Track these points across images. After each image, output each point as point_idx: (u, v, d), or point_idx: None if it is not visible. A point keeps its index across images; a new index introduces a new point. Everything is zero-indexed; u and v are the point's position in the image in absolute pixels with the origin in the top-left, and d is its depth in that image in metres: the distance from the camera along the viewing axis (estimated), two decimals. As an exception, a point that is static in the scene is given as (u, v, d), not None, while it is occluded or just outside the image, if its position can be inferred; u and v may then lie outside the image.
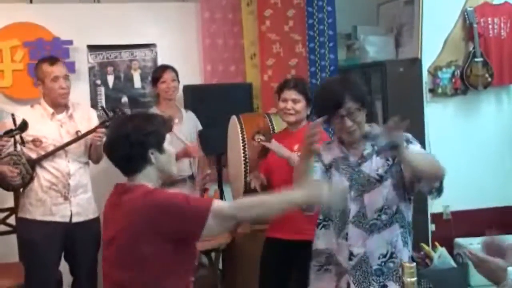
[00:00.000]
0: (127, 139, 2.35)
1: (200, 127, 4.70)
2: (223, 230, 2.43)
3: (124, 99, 5.32)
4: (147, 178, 2.41)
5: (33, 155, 3.83)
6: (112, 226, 2.43)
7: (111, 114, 3.92)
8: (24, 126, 3.53)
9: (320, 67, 5.34)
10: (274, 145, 3.56)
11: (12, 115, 3.65)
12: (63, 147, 3.82)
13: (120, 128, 2.41)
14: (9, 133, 3.33)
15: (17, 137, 3.59)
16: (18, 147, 3.73)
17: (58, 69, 3.85)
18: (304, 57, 5.31)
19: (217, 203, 2.30)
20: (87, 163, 4.01)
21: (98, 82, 5.28)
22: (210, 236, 2.47)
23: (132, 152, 2.36)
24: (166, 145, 2.44)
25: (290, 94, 3.64)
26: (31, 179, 3.81)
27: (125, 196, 2.37)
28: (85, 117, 4.01)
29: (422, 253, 4.71)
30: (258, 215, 2.45)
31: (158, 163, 2.40)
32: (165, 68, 4.61)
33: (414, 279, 2.13)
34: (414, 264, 2.17)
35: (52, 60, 3.91)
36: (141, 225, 2.28)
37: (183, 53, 5.35)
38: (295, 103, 3.63)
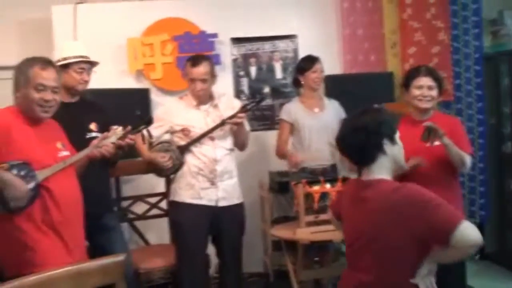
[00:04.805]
0: (365, 129, 2.46)
1: (343, 115, 4.69)
2: (464, 253, 2.32)
3: (266, 89, 5.48)
4: (382, 170, 2.49)
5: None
6: (357, 222, 2.51)
7: (251, 99, 4.05)
8: (149, 121, 3.62)
9: (464, 55, 5.22)
10: (438, 128, 3.39)
11: (139, 113, 3.74)
12: (208, 133, 4.00)
13: (355, 121, 2.52)
14: (136, 128, 3.43)
15: (144, 131, 3.69)
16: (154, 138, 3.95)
17: (196, 72, 4.00)
18: (447, 44, 5.21)
19: (466, 225, 2.24)
20: (232, 150, 4.17)
21: (242, 73, 5.48)
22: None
23: (369, 141, 2.46)
24: (397, 137, 2.52)
25: (426, 81, 3.61)
26: (181, 165, 4.03)
27: (368, 191, 2.46)
28: (229, 106, 4.15)
29: None
30: None
31: (391, 153, 2.49)
32: (315, 59, 4.67)
33: None
34: None
35: (194, 61, 4.05)
36: (391, 220, 2.34)
37: (323, 44, 5.40)
38: (430, 90, 3.60)
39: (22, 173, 2.81)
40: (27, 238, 2.87)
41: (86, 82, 3.79)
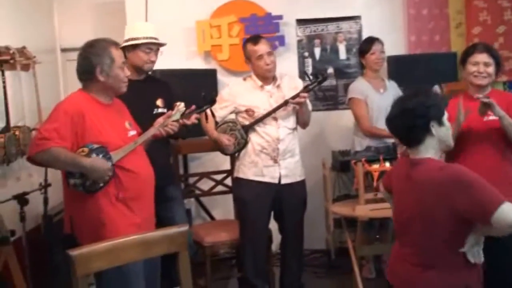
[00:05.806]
0: (413, 112, 2.57)
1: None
2: (504, 232, 2.40)
3: (330, 70, 5.54)
4: (429, 150, 2.61)
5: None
6: (404, 198, 2.66)
7: (313, 79, 4.13)
8: (213, 101, 3.67)
9: (530, 35, 5.15)
10: (491, 101, 3.43)
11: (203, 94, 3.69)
12: (271, 113, 4.11)
13: (405, 103, 2.63)
14: (200, 108, 3.52)
15: (208, 111, 3.69)
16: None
17: (260, 48, 4.12)
18: (513, 24, 5.15)
19: (507, 206, 2.32)
20: (295, 129, 4.27)
21: (306, 54, 5.56)
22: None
23: (416, 124, 2.57)
24: (445, 119, 2.62)
25: (482, 57, 3.61)
26: (245, 143, 4.17)
27: (416, 169, 2.59)
28: (292, 86, 4.23)
29: None
30: None
31: (438, 134, 2.59)
32: (374, 40, 4.73)
33: None
34: None
35: (255, 40, 4.18)
36: (436, 197, 2.45)
37: (387, 25, 5.42)
38: (487, 66, 3.60)
39: (100, 156, 3.02)
40: (103, 214, 3.05)
41: (153, 62, 3.95)
